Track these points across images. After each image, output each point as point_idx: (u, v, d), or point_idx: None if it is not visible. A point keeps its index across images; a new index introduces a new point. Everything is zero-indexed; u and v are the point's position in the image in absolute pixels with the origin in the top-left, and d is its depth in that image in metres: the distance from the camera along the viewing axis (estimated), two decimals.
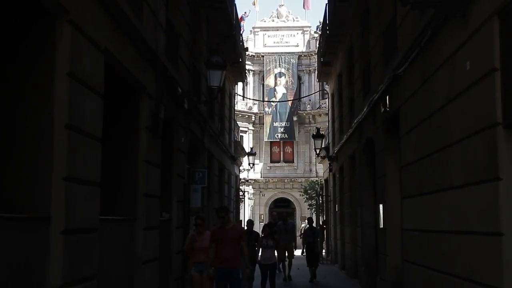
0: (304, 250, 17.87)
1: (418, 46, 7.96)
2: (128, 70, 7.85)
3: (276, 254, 13.47)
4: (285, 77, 41.48)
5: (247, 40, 38.89)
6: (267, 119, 41.04)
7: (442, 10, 6.67)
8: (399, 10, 9.31)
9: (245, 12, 43.42)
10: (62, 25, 5.69)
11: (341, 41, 18.46)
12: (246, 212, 36.18)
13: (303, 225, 31.73)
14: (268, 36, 43.60)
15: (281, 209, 40.91)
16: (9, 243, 4.91)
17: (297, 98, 40.43)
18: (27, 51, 5.72)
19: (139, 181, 8.70)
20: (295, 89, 41.32)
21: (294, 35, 43.51)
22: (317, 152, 23.73)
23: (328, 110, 26.32)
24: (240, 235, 9.19)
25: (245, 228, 15.18)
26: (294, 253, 17.76)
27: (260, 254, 12.83)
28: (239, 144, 27.23)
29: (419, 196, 8.18)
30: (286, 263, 17.06)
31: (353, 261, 16.45)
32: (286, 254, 16.94)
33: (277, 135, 41.03)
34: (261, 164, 40.89)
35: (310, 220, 19.16)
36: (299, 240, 21.40)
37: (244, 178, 33.60)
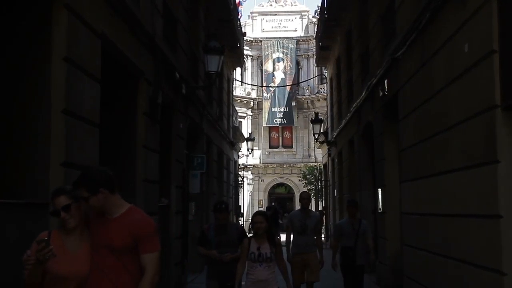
0: (339, 261, 9.12)
1: (417, 29, 7.91)
2: (126, 55, 7.82)
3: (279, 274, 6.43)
4: (283, 62, 41.37)
5: (245, 25, 38.71)
6: (266, 105, 40.99)
7: None
8: None
9: None
10: (58, 10, 5.65)
11: (339, 25, 18.37)
12: (245, 198, 36.27)
13: None
14: (266, 21, 43.41)
15: (280, 195, 41.05)
16: (8, 229, 4.91)
17: (296, 83, 40.37)
18: (22, 35, 5.67)
19: (138, 166, 8.69)
20: (293, 74, 41.23)
21: (292, 20, 43.33)
22: (316, 137, 23.70)
23: (327, 95, 26.27)
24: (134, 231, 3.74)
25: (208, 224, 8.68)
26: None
27: (246, 273, 6.35)
28: (237, 130, 27.21)
29: (418, 180, 8.18)
30: None
31: None
32: (305, 275, 8.86)
33: (276, 121, 41.01)
34: (260, 150, 40.92)
35: (352, 204, 9.28)
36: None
37: (243, 164, 33.61)
